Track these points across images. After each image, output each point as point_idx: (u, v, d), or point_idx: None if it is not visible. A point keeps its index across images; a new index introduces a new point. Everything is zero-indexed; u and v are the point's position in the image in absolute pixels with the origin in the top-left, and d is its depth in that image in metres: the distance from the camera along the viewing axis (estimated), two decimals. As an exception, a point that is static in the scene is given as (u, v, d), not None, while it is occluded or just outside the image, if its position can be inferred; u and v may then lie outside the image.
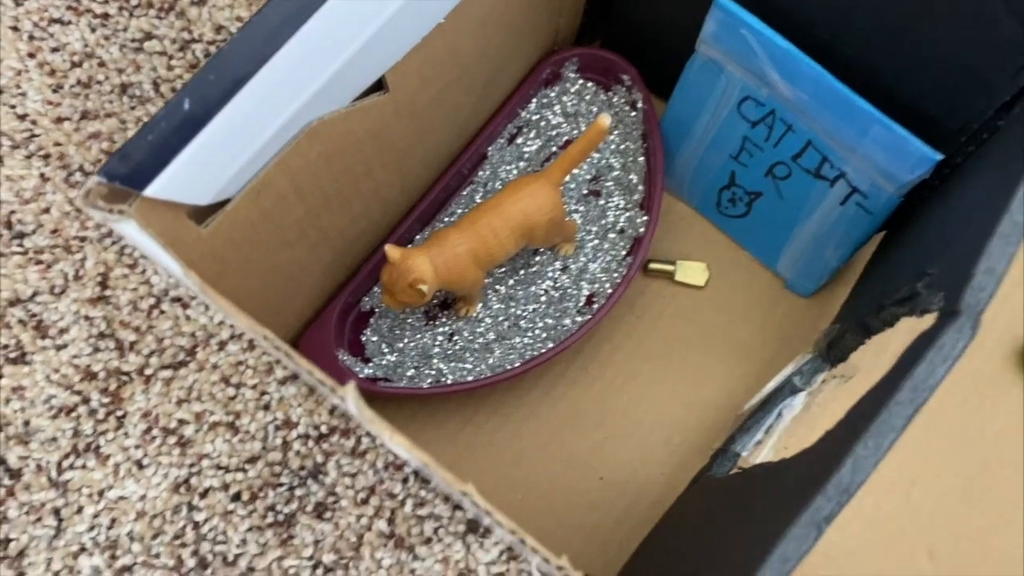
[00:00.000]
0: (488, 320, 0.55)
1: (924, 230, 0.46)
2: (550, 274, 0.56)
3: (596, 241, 0.57)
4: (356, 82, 0.40)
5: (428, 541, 0.54)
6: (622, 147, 0.58)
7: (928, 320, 0.38)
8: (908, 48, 0.43)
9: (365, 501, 0.55)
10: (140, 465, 0.55)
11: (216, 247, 0.38)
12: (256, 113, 0.35)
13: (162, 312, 0.58)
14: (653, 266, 0.58)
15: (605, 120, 0.49)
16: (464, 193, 0.57)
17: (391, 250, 0.48)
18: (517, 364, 0.52)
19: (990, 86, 0.41)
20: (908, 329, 0.44)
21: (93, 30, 0.63)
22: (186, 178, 0.34)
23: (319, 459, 0.55)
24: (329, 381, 0.30)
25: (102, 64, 0.62)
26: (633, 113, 0.58)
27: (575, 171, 0.58)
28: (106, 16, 0.63)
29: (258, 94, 0.34)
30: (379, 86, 0.43)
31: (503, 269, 0.56)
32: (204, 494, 0.55)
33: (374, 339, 0.54)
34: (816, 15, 0.45)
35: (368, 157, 0.45)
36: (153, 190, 0.33)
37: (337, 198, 0.45)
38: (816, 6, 0.45)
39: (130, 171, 0.32)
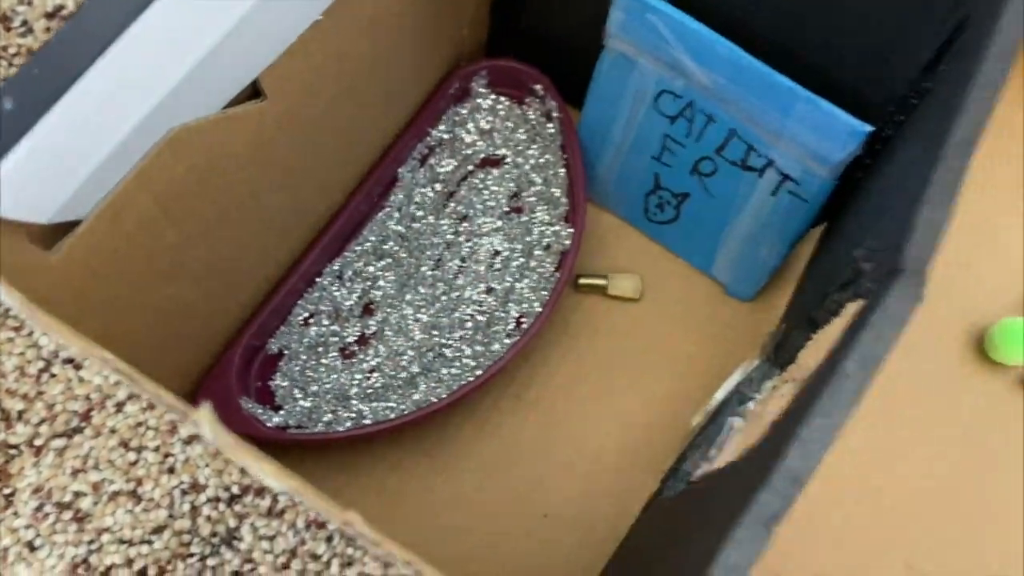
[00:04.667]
0: (411, 353, 0.51)
1: (861, 209, 0.43)
2: (475, 298, 0.52)
3: (522, 259, 0.53)
4: (222, 84, 0.36)
5: (359, 603, 0.48)
6: (541, 160, 0.55)
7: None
8: (825, 13, 0.40)
9: (286, 566, 0.49)
10: (32, 547, 0.49)
11: (72, 278, 0.34)
12: (97, 114, 0.31)
13: (52, 376, 0.52)
14: (583, 281, 0.54)
15: None
16: (377, 217, 0.53)
17: None
18: (444, 397, 0.48)
19: (914, 42, 0.39)
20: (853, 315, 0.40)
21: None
22: (14, 191, 0.29)
23: (232, 523, 0.50)
24: (180, 405, 0.26)
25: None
26: (550, 125, 0.55)
27: (495, 188, 0.55)
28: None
29: (96, 90, 0.30)
30: (257, 94, 0.39)
31: (423, 296, 0.52)
32: (106, 572, 0.49)
33: (284, 384, 0.49)
34: (725, -9, 0.43)
35: (251, 176, 0.41)
36: (-27, 205, 0.28)
37: (220, 223, 0.41)
38: (723, -18, 0.43)
39: (-57, 184, 0.28)
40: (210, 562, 0.49)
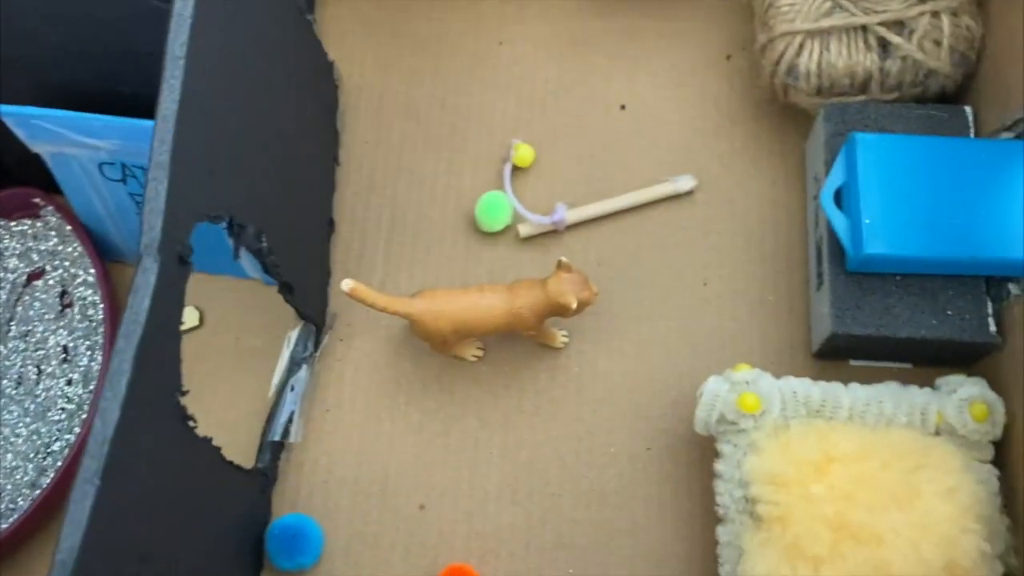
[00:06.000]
0: (23, 463, 0.58)
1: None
2: (60, 393, 0.60)
3: (88, 342, 0.61)
4: None
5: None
6: (75, 255, 0.62)
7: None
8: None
9: None
10: None
11: None
12: None
13: None
14: (151, 333, 0.62)
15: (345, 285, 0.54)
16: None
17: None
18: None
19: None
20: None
21: None
22: None
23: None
24: None
25: None
26: (67, 226, 0.62)
27: (44, 296, 0.62)
28: None
29: None
30: None
31: (17, 413, 0.59)
32: None
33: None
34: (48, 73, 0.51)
35: None
36: None
37: None
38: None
39: None
40: None
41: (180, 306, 0.41)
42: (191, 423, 0.43)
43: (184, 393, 0.41)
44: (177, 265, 0.39)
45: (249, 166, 0.48)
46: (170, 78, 0.40)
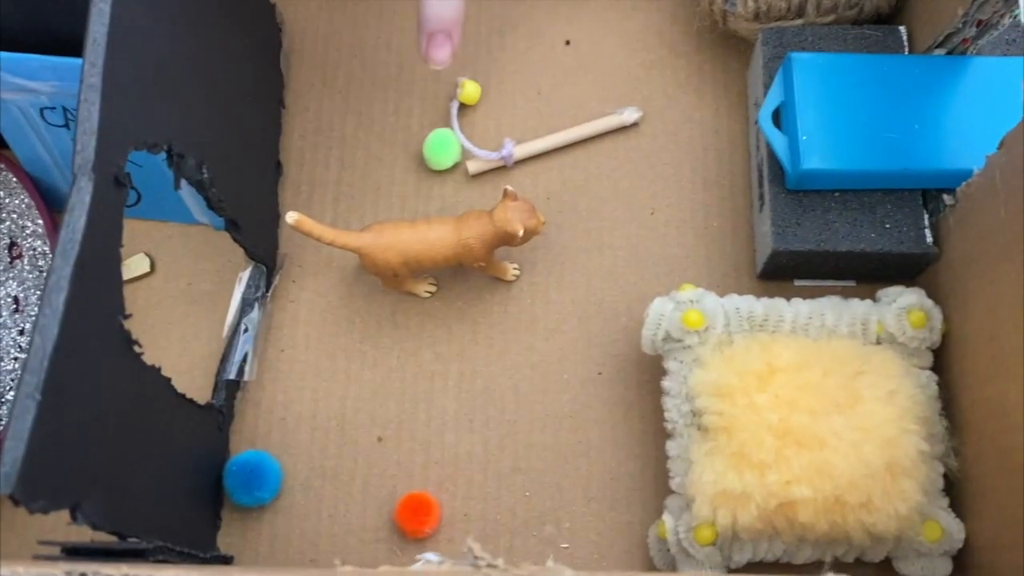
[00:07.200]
0: (-23, 413, 0.58)
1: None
2: (12, 343, 0.60)
3: (40, 291, 0.60)
4: None
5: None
6: (23, 207, 0.62)
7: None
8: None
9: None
10: None
11: None
12: None
13: None
14: (103, 282, 0.62)
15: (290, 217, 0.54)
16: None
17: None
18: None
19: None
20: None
21: None
22: None
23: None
24: None
25: None
26: (12, 177, 0.62)
27: (-7, 250, 0.62)
28: None
29: None
30: None
31: (-31, 365, 0.59)
32: None
33: None
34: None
35: None
36: None
37: None
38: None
39: None
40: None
41: (118, 228, 0.41)
42: (137, 348, 0.43)
43: (126, 316, 0.42)
44: (113, 186, 0.40)
45: (187, 99, 0.48)
46: (99, 1, 0.40)
